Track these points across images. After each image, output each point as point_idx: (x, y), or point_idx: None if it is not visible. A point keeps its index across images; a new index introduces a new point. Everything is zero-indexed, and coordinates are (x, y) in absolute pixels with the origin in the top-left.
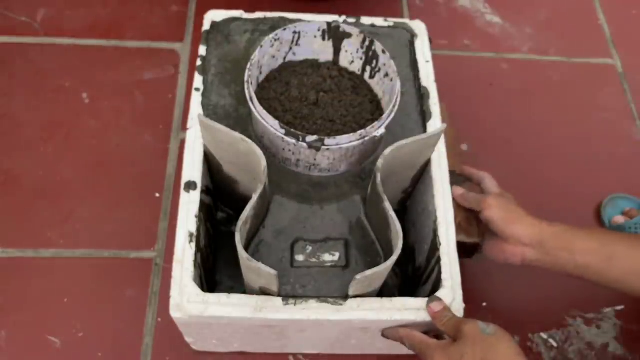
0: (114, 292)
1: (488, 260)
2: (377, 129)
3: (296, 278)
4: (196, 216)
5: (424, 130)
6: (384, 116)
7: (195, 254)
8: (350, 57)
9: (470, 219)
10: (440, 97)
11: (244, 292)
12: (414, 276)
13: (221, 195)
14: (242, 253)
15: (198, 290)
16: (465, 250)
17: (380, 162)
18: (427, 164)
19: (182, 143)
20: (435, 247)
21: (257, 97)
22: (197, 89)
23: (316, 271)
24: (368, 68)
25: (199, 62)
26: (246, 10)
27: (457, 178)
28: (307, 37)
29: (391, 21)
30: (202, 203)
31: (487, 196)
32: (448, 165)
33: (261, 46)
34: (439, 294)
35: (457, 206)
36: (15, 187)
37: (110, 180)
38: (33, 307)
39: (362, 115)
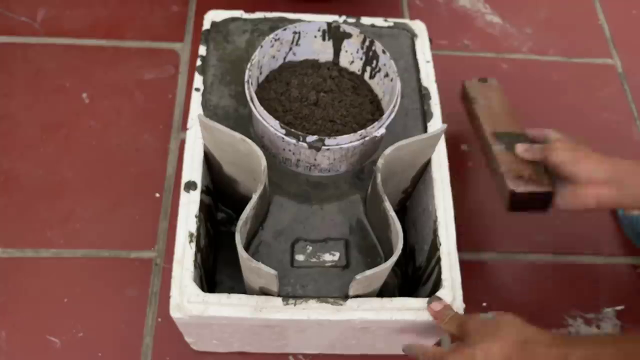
0: (114, 292)
1: (488, 260)
2: (377, 129)
3: (296, 278)
4: (196, 216)
5: (425, 130)
6: (384, 116)
7: (195, 254)
8: (350, 57)
9: (538, 170)
10: (441, 97)
11: (244, 292)
12: (414, 276)
13: (221, 195)
14: (242, 253)
15: (198, 291)
16: (537, 203)
17: (380, 162)
18: (427, 164)
19: (182, 143)
20: (435, 247)
21: (257, 97)
22: (197, 89)
23: (316, 271)
24: (368, 68)
25: (199, 62)
26: (246, 10)
27: (502, 139)
28: (307, 37)
29: (391, 21)
30: (202, 203)
31: (551, 142)
32: (501, 126)
33: (261, 46)
34: (439, 293)
35: (522, 161)
36: (15, 187)
37: (110, 180)
38: (33, 307)
39: (362, 115)
